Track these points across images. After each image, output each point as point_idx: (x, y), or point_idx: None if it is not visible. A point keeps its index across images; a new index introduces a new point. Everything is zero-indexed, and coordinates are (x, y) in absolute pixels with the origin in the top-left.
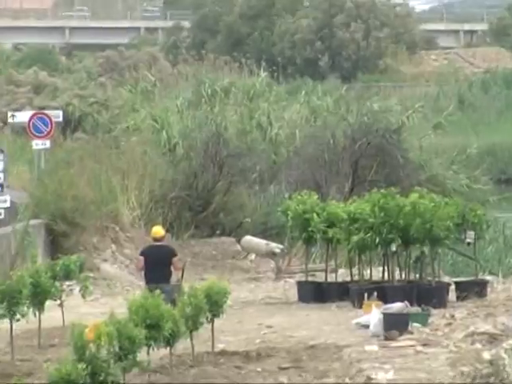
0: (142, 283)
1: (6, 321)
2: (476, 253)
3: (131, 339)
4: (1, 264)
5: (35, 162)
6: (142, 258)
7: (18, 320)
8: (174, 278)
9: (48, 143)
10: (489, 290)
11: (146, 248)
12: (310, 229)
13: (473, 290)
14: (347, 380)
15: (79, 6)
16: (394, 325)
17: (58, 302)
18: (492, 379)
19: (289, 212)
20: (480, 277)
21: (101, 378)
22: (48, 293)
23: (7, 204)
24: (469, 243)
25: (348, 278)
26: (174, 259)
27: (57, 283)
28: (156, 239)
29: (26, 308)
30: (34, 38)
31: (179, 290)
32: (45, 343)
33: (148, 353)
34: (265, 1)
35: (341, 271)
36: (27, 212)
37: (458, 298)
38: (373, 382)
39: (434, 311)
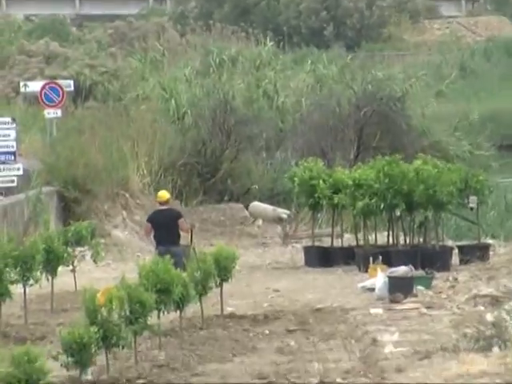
0: (152, 249)
1: (20, 286)
2: (478, 217)
3: (142, 303)
4: (14, 230)
5: (47, 130)
6: (148, 224)
7: (31, 285)
8: (183, 241)
9: (59, 112)
10: (491, 253)
11: (152, 213)
12: (316, 195)
13: (475, 253)
14: (353, 342)
15: None
16: (399, 288)
17: (71, 267)
18: (495, 340)
19: (295, 178)
20: (482, 241)
21: (112, 341)
22: (60, 258)
23: (20, 172)
24: (471, 208)
25: (353, 243)
26: (180, 221)
27: (69, 249)
28: (161, 203)
29: (39, 273)
30: (45, 8)
31: (188, 253)
32: (57, 307)
33: (158, 316)
34: None
35: (346, 236)
36: (39, 179)
37: (461, 261)
38: (378, 343)
39: (437, 274)
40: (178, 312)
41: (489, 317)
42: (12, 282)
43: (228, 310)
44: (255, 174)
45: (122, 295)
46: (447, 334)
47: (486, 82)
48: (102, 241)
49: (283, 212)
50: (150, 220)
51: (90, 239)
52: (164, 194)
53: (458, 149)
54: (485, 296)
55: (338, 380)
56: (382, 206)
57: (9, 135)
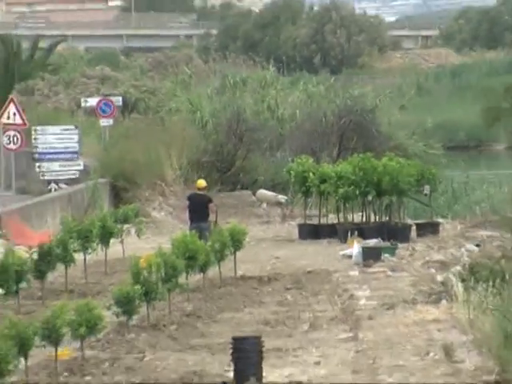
0: (183, 226)
1: (81, 254)
2: (431, 201)
3: (174, 267)
4: (77, 212)
5: (102, 135)
6: (188, 201)
7: (89, 253)
8: (211, 219)
9: (111, 121)
10: (440, 229)
11: (191, 194)
12: (307, 184)
13: (428, 229)
14: (335, 297)
15: (138, 19)
16: (370, 256)
17: (119, 239)
18: (443, 295)
19: (291, 172)
20: (434, 219)
21: (152, 296)
22: (112, 233)
23: (81, 167)
24: (425, 194)
25: (336, 221)
26: (210, 204)
27: (118, 226)
28: (199, 189)
29: (95, 244)
30: (101, 43)
31: (212, 228)
32: (110, 270)
33: (186, 277)
34: (272, 14)
35: (330, 216)
36: (96, 173)
37: (418, 235)
38: (354, 298)
39: (399, 245)
40: (202, 274)
41: (439, 277)
42: (75, 251)
43: (240, 272)
44: (261, 168)
45: (159, 261)
46: (407, 291)
47: (436, 99)
48: (144, 219)
49: (282, 197)
50: (188, 198)
51: (134, 218)
52: (202, 182)
53: (415, 149)
54: (436, 261)
55: (324, 326)
56: (357, 192)
57: (73, 139)
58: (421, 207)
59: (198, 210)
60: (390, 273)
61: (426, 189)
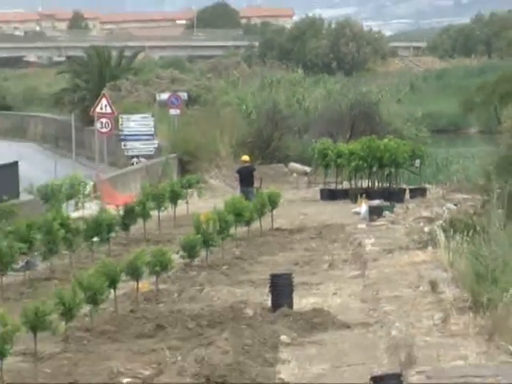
0: (232, 190)
1: (156, 211)
2: (420, 172)
3: (226, 221)
4: (153, 180)
5: (171, 122)
6: (237, 174)
7: (162, 211)
8: (255, 185)
9: (179, 111)
10: (427, 193)
11: (240, 167)
12: (326, 159)
13: (418, 193)
14: (348, 244)
15: (199, 33)
16: (375, 212)
17: (185, 200)
18: (429, 243)
19: (315, 149)
20: (422, 185)
21: (209, 243)
22: (179, 195)
23: (156, 146)
24: (416, 167)
25: (348, 187)
26: (254, 173)
27: (184, 190)
28: (244, 161)
29: (166, 204)
30: (171, 52)
31: (254, 192)
32: (177, 224)
33: (235, 229)
34: (300, 30)
35: (344, 183)
36: (167, 151)
37: (410, 197)
38: (362, 245)
39: (397, 205)
40: (247, 226)
41: (426, 229)
42: (151, 209)
43: (276, 225)
44: (291, 147)
45: (214, 217)
46: (402, 239)
47: (424, 95)
48: (203, 185)
49: (308, 169)
50: (238, 171)
51: (196, 184)
52: (246, 157)
53: (408, 132)
54: (424, 217)
55: (340, 266)
56: (365, 165)
57: (149, 124)
58: (413, 176)
59: (245, 178)
60: (389, 225)
61: (417, 162)
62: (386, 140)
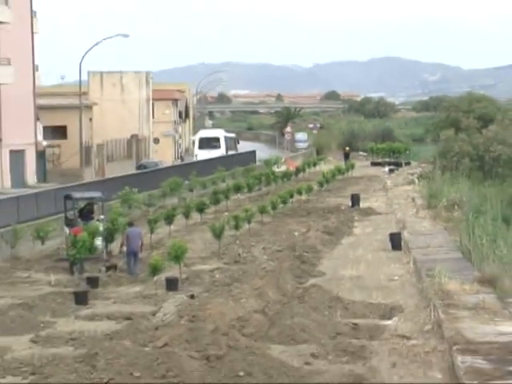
0: (338, 162)
1: (309, 169)
2: (408, 155)
3: (339, 170)
4: (305, 158)
5: (314, 135)
6: (343, 155)
7: (312, 167)
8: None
9: (315, 131)
10: (411, 164)
11: (344, 152)
12: (372, 150)
13: (407, 164)
14: (378, 182)
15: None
16: (391, 171)
17: (318, 165)
18: (412, 181)
19: (370, 147)
20: (409, 161)
21: (327, 181)
22: (316, 163)
23: (307, 144)
24: (407, 153)
25: (381, 160)
26: (350, 155)
27: (319, 161)
28: (345, 150)
29: (313, 166)
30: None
31: (347, 162)
32: (317, 173)
33: (336, 176)
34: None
35: (380, 159)
36: (311, 146)
37: (404, 165)
38: (386, 184)
39: (399, 168)
40: (342, 175)
41: (410, 177)
42: (308, 167)
43: (354, 175)
44: (360, 147)
45: (334, 169)
46: (401, 180)
47: (409, 126)
48: (327, 159)
49: (365, 153)
50: (344, 154)
51: (324, 159)
52: (347, 148)
53: (402, 139)
54: (409, 173)
55: (377, 191)
56: (387, 153)
57: (305, 135)
58: (405, 157)
59: (346, 157)
60: (396, 175)
61: (407, 152)
62: (396, 144)
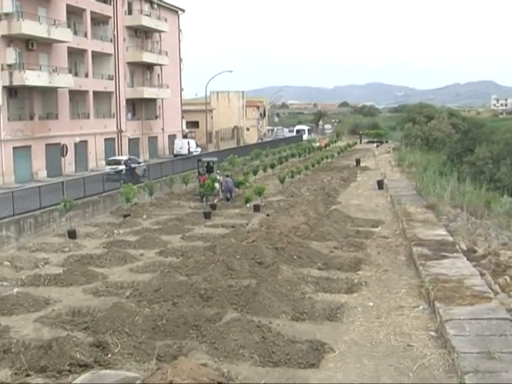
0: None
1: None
2: (387, 137)
3: (348, 145)
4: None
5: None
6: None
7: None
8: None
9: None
10: (390, 142)
11: (360, 134)
12: (368, 135)
13: (387, 142)
14: (371, 154)
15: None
16: (378, 146)
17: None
18: (390, 152)
19: (365, 133)
20: (388, 140)
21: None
22: (344, 151)
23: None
24: (386, 140)
25: (372, 140)
26: (363, 138)
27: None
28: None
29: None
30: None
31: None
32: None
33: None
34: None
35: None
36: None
37: (385, 142)
38: (375, 152)
39: (382, 144)
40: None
41: (388, 149)
42: (331, 144)
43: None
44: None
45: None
46: (383, 151)
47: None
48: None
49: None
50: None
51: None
52: (360, 132)
53: (385, 130)
54: (389, 147)
55: (367, 158)
56: (376, 137)
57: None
58: (385, 138)
59: (360, 138)
60: (381, 149)
61: (386, 136)
62: (380, 131)
